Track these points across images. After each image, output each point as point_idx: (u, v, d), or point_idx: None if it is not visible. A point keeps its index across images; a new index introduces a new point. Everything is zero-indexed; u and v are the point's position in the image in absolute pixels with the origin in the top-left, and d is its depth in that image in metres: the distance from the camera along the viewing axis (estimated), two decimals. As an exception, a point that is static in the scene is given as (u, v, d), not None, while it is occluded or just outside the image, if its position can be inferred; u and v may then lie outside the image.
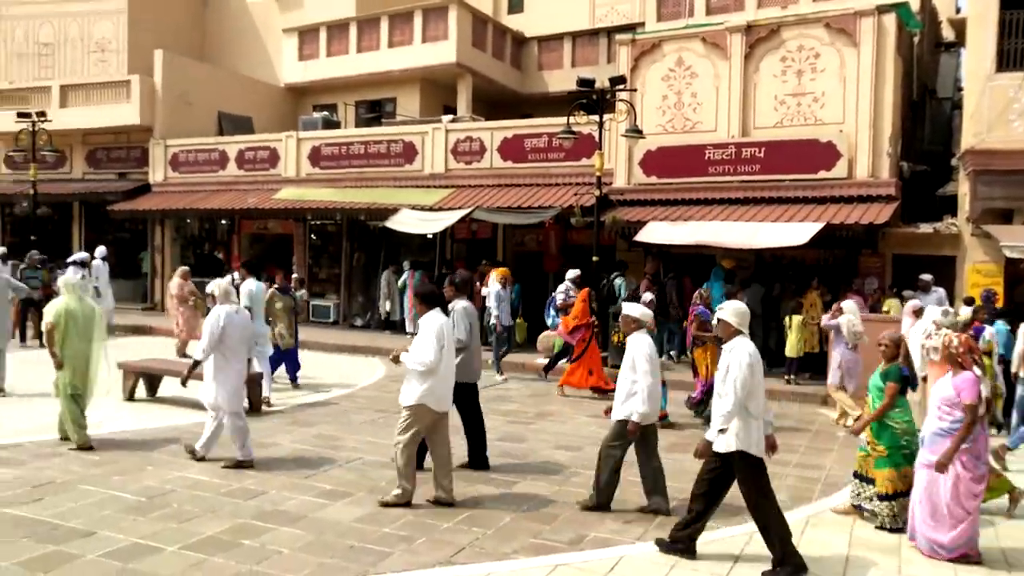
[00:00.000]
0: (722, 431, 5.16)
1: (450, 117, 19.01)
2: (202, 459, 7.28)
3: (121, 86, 21.62)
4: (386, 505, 6.21)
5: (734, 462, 5.20)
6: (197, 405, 9.35)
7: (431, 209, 16.20)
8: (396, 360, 6.32)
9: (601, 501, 6.32)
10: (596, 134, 13.60)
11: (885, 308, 12.19)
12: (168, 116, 21.38)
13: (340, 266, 18.99)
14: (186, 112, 21.62)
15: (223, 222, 21.15)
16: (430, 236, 16.71)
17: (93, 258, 16.39)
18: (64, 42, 23.90)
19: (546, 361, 12.90)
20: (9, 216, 23.71)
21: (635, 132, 13.21)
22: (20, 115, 19.55)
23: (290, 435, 8.58)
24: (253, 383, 9.75)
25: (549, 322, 13.31)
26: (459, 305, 7.40)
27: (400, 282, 16.47)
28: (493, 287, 13.10)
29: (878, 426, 6.21)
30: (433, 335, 6.17)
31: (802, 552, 5.23)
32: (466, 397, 7.27)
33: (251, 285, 10.60)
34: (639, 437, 6.23)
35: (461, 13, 20.34)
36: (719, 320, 5.45)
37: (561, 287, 12.65)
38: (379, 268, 17.95)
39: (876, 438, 6.23)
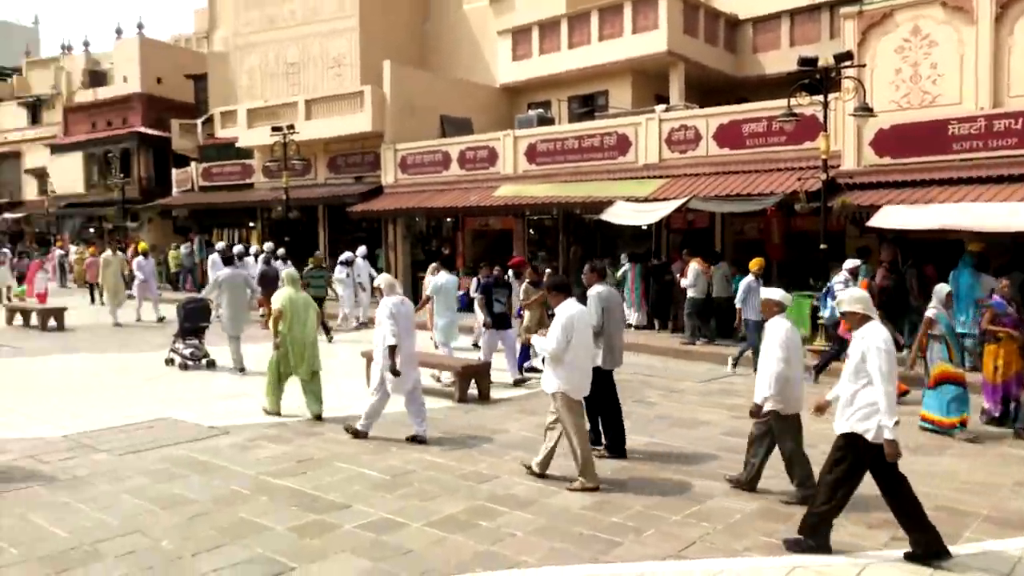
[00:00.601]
0: (891, 423, 4.85)
1: (663, 106, 18.78)
2: (361, 435, 8.05)
3: (355, 97, 23.47)
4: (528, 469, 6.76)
5: (858, 446, 5.01)
6: (440, 393, 10.03)
7: (646, 200, 16.11)
8: (527, 340, 6.59)
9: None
10: (820, 115, 12.85)
11: None
12: (396, 122, 22.92)
13: (557, 259, 19.40)
14: (412, 117, 23.06)
15: (448, 219, 22.37)
16: (644, 227, 16.63)
17: (356, 257, 17.97)
18: (307, 61, 26.39)
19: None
20: (267, 219, 26.62)
21: (865, 110, 12.33)
22: (274, 129, 21.91)
23: (518, 423, 8.94)
24: (483, 374, 10.28)
25: (827, 314, 12.22)
26: (593, 291, 7.50)
27: (619, 274, 16.51)
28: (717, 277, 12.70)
29: None
30: (561, 324, 6.41)
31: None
32: (600, 383, 7.22)
33: (441, 279, 11.85)
34: (777, 424, 6.13)
35: (671, 1, 19.99)
36: (846, 314, 5.27)
37: (839, 277, 11.76)
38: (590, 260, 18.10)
39: None
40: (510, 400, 10.25)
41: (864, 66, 13.41)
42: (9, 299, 20.41)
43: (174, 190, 31.53)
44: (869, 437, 4.93)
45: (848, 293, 5.34)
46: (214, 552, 5.15)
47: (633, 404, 9.30)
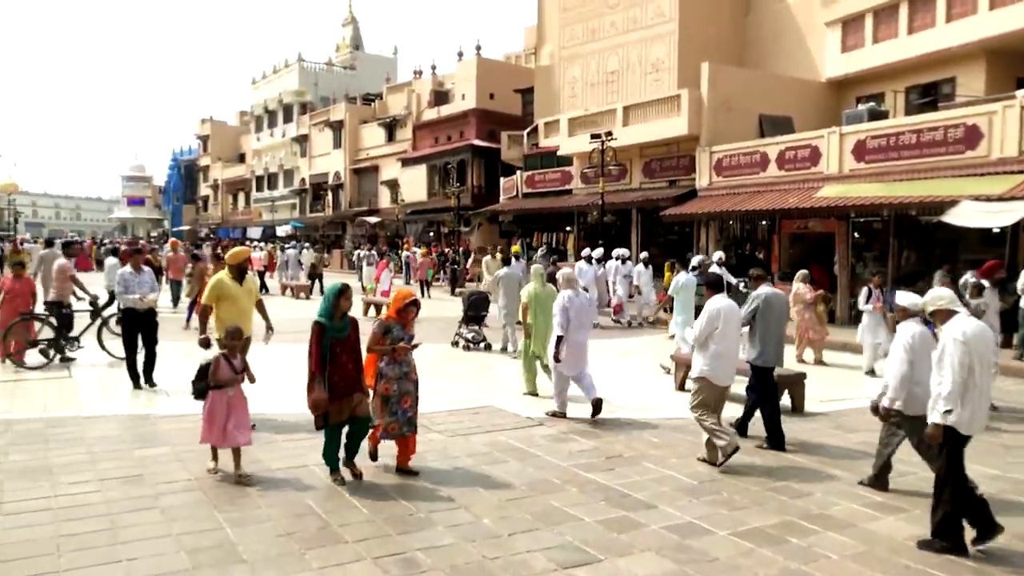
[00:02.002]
0: (947, 412, 5.12)
1: (1026, 91, 16.32)
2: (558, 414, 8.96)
3: (672, 101, 23.53)
4: (722, 463, 7.07)
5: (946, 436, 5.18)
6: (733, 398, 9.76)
7: (999, 199, 14.13)
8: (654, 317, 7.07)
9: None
10: None
11: None
12: (712, 124, 22.57)
13: (886, 266, 17.76)
14: (728, 118, 22.55)
15: (763, 222, 21.54)
16: (997, 230, 14.60)
17: (609, 257, 18.78)
18: (626, 68, 27.02)
19: None
20: (583, 224, 27.74)
21: None
22: (592, 137, 22.76)
23: (834, 438, 8.39)
24: (797, 383, 9.78)
25: None
26: (756, 291, 8.14)
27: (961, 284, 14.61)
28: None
29: None
30: (707, 317, 7.23)
31: None
32: (760, 379, 7.94)
33: (682, 279, 13.00)
34: (904, 424, 6.18)
35: (1043, -34, 17.32)
36: (936, 312, 5.45)
37: None
38: (931, 268, 16.27)
39: None
40: (826, 415, 9.63)
41: None
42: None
43: (501, 197, 34.13)
44: (949, 423, 5.15)
45: (931, 292, 5.61)
46: (528, 534, 5.53)
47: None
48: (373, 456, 7.04)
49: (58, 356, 11.92)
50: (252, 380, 6.78)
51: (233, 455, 6.57)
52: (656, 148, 25.06)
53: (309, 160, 55.63)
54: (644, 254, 19.78)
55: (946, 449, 5.24)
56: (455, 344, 14.37)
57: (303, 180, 56.51)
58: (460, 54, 42.24)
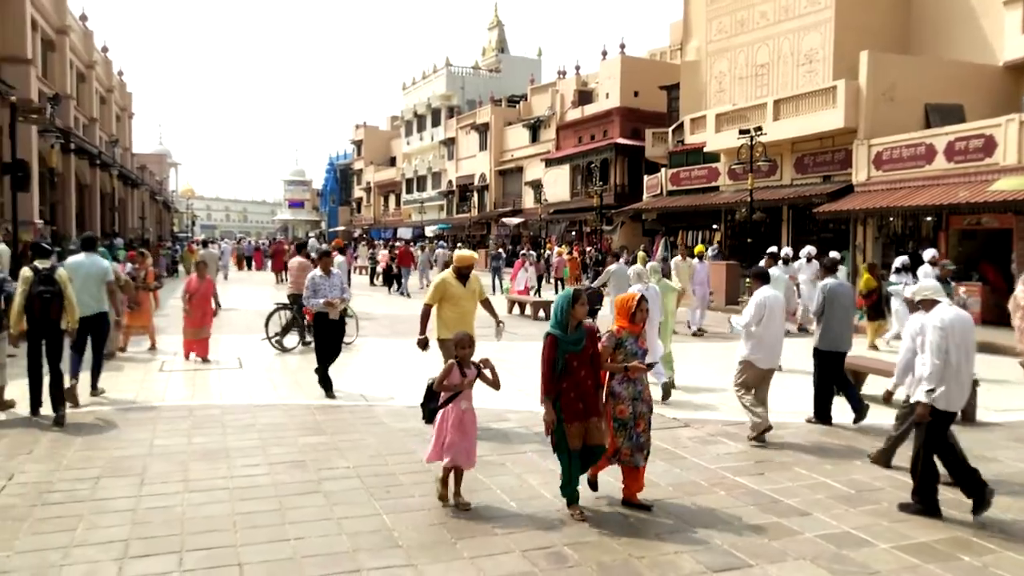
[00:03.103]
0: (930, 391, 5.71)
1: None
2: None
3: (827, 93, 22.48)
4: (753, 439, 7.78)
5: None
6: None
7: None
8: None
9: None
10: None
11: None
12: (872, 115, 21.38)
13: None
14: (890, 109, 21.29)
15: (928, 219, 20.16)
16: None
17: (797, 257, 17.21)
18: (777, 60, 26.03)
19: None
20: (730, 221, 26.98)
21: None
22: (741, 132, 22.10)
23: (1010, 451, 7.76)
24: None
25: None
26: (823, 282, 8.82)
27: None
28: None
29: None
30: (755, 303, 7.86)
31: None
32: (821, 361, 8.68)
33: (776, 271, 13.21)
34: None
35: None
36: (923, 301, 5.98)
37: None
38: None
39: None
40: (1001, 425, 8.91)
41: None
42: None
43: (644, 195, 33.77)
44: (925, 401, 5.77)
45: (920, 284, 6.24)
46: (674, 535, 5.46)
47: None
48: (593, 486, 6.22)
49: (301, 342, 13.66)
50: (496, 386, 5.99)
51: (454, 476, 5.98)
52: (809, 142, 24.01)
53: (456, 162, 57.21)
54: (835, 254, 17.89)
55: (925, 425, 5.89)
56: None
57: (450, 182, 58.19)
58: (604, 53, 42.13)
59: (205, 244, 30.63)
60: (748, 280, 8.62)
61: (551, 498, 6.10)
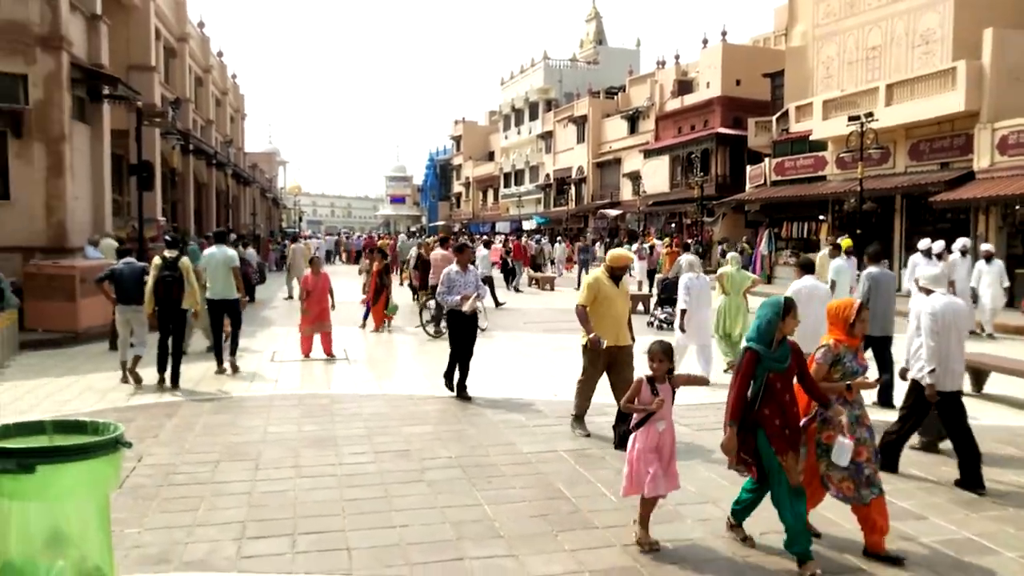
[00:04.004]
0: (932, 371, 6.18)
1: None
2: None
3: (945, 75, 21.33)
4: None
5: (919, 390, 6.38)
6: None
7: None
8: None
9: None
10: None
11: None
12: (997, 98, 20.16)
13: None
14: (1016, 90, 20.00)
15: (1060, 207, 18.86)
16: None
17: (950, 251, 15.68)
18: (890, 42, 24.82)
19: None
20: (838, 212, 25.96)
21: None
22: (850, 119, 21.22)
23: None
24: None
25: None
26: (867, 270, 9.21)
27: None
28: None
29: None
30: (791, 291, 8.28)
31: None
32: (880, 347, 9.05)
33: (840, 262, 12.76)
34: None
35: None
36: (923, 290, 6.47)
37: None
38: None
39: None
40: None
41: None
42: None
43: (747, 186, 32.88)
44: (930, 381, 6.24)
45: (924, 272, 6.69)
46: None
47: None
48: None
49: (436, 333, 14.35)
50: (703, 383, 6.36)
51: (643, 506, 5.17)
52: (925, 128, 22.80)
53: (553, 156, 57.21)
54: (987, 246, 16.17)
55: (915, 397, 6.56)
56: (650, 325, 16.40)
57: (547, 175, 58.24)
58: (705, 41, 41.21)
59: (295, 239, 31.47)
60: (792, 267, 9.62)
61: (652, 493, 6.05)
